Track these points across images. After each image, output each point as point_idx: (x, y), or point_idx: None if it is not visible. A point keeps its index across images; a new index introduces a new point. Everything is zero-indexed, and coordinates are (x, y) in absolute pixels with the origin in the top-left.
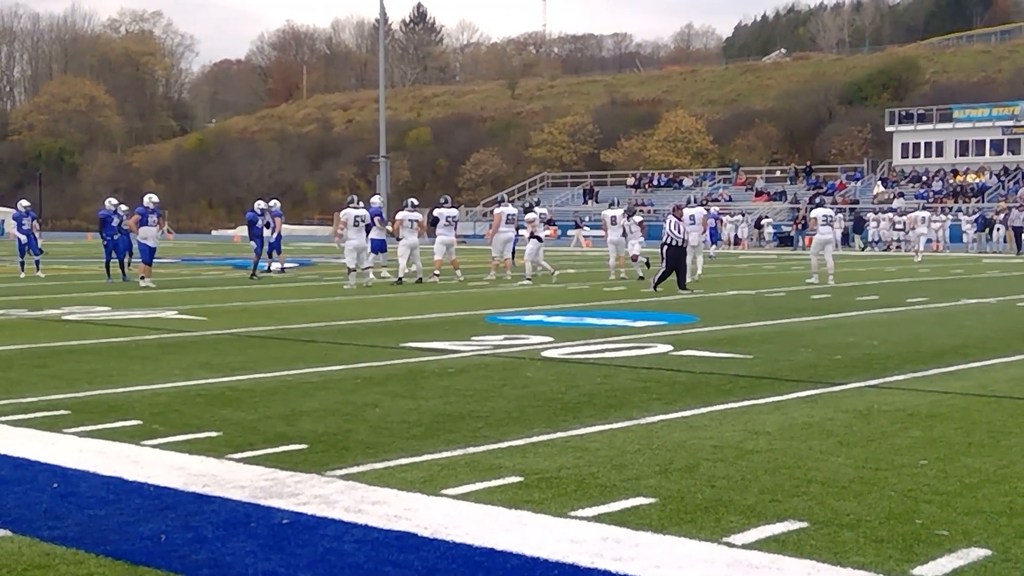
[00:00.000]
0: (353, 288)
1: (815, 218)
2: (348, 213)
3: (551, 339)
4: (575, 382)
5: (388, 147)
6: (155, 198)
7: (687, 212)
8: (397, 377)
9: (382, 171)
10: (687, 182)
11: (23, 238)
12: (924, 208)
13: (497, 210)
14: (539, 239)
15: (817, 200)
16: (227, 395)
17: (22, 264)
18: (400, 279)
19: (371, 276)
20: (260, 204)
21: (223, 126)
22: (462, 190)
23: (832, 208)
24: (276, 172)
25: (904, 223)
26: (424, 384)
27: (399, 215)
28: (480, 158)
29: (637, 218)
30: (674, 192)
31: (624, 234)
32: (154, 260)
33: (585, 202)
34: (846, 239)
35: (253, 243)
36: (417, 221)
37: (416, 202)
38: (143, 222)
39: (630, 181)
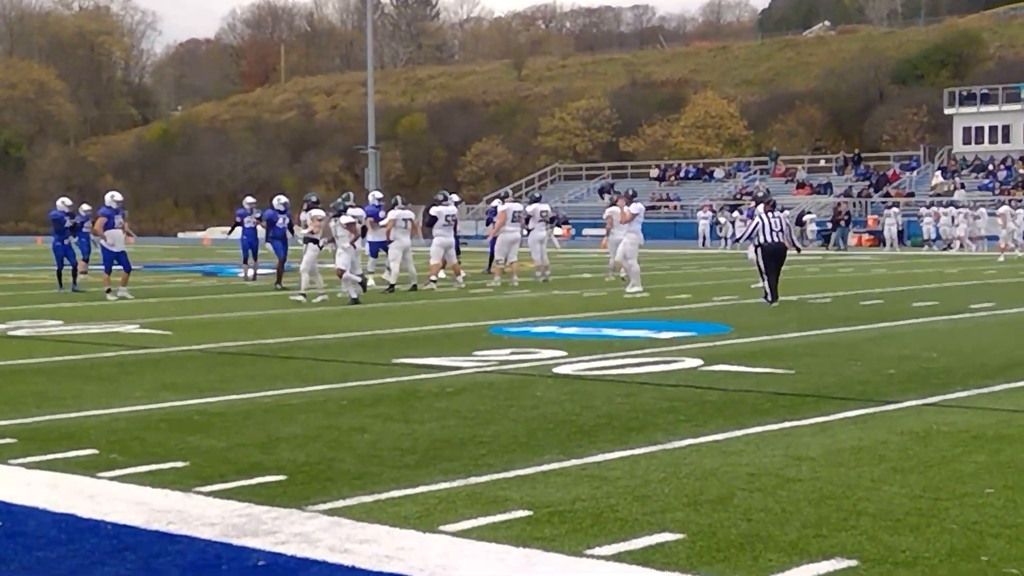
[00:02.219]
0: (351, 295)
1: (632, 213)
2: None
3: (564, 353)
4: (592, 402)
5: (378, 136)
6: (119, 196)
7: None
8: (388, 398)
9: (371, 164)
10: (718, 173)
11: None
12: (1009, 202)
13: (502, 207)
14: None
15: (760, 194)
16: (195, 420)
17: None
18: (392, 286)
19: (371, 281)
20: (282, 199)
21: (190, 114)
22: (462, 184)
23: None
24: (251, 166)
25: (954, 216)
26: (419, 406)
27: (390, 214)
28: (482, 148)
29: (637, 206)
30: (703, 185)
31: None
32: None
33: (601, 197)
34: (902, 237)
35: (269, 245)
36: (410, 220)
37: (397, 198)
38: (109, 224)
39: (653, 173)
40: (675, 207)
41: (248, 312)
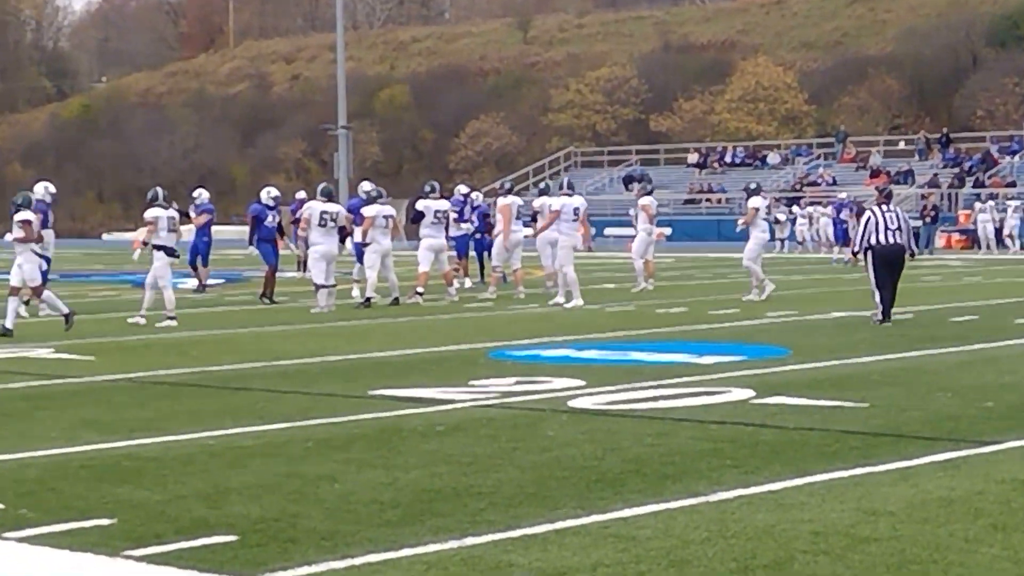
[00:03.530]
0: (325, 311)
1: (756, 208)
2: (313, 208)
3: (582, 382)
4: (616, 443)
5: (350, 114)
6: (52, 187)
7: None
8: (364, 438)
9: (341, 148)
10: (772, 158)
11: None
12: None
13: (503, 201)
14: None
15: (753, 187)
16: (124, 466)
17: None
18: (368, 300)
19: (355, 292)
20: (273, 191)
21: (117, 87)
22: (455, 172)
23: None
24: (192, 150)
25: None
26: (402, 448)
27: (367, 210)
28: (480, 128)
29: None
30: (754, 173)
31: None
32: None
33: (627, 187)
34: (999, 236)
35: (255, 249)
36: (391, 217)
37: (379, 191)
38: (45, 223)
39: (692, 158)
40: (719, 200)
41: (190, 333)
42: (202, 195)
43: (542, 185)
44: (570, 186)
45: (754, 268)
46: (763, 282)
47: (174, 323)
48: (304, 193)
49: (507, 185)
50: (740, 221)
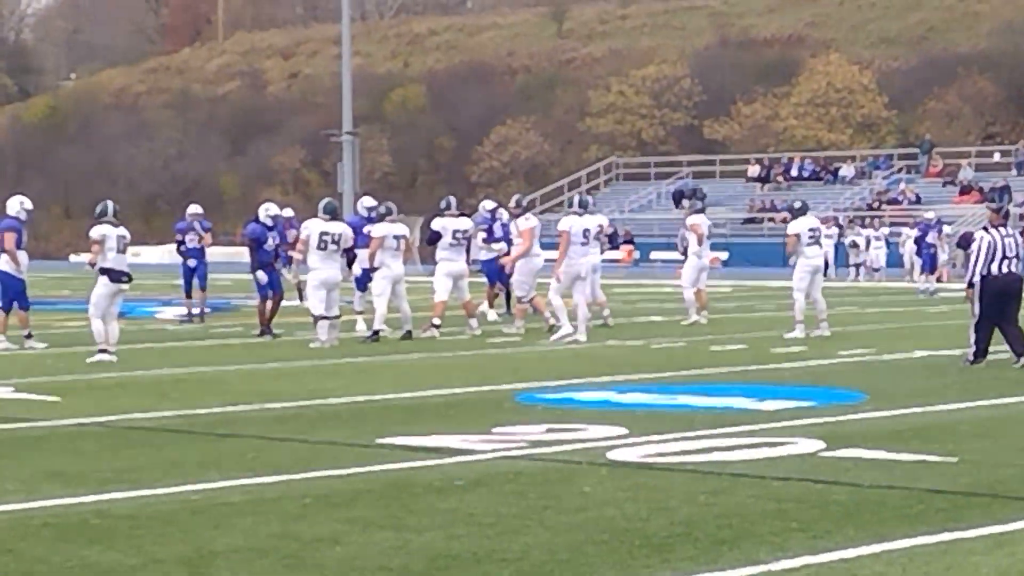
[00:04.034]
0: (326, 346)
1: (797, 234)
2: (312, 227)
3: (624, 431)
4: (664, 502)
5: (357, 118)
6: (28, 203)
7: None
8: (371, 495)
9: (346, 157)
10: (846, 171)
11: None
12: None
13: (526, 224)
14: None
15: (798, 206)
16: (93, 525)
17: None
18: (376, 333)
19: (360, 324)
20: (272, 208)
21: (88, 86)
22: (477, 186)
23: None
24: (174, 159)
25: None
26: (415, 506)
27: (375, 229)
28: (507, 134)
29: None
30: (825, 188)
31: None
32: None
33: (677, 204)
34: None
35: (265, 276)
36: (403, 238)
37: (388, 207)
38: (19, 243)
39: (753, 171)
40: (784, 220)
41: (171, 370)
42: (195, 213)
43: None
44: (582, 204)
45: (688, 295)
46: (700, 310)
47: (111, 359)
48: (291, 211)
49: (523, 203)
50: (788, 250)
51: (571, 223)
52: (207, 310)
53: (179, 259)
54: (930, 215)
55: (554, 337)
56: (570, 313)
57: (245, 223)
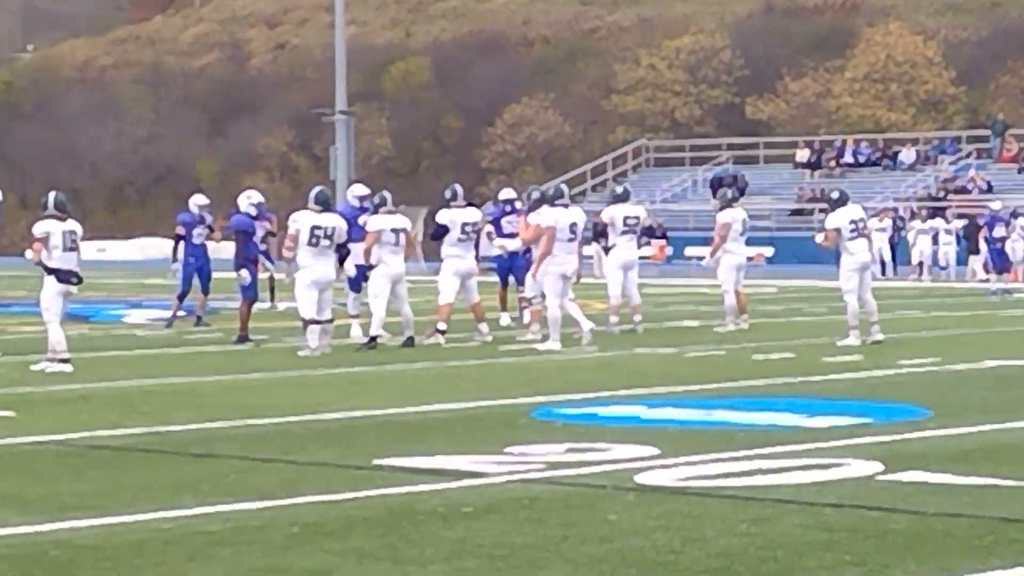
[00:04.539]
0: (316, 354)
1: (837, 228)
2: (301, 220)
3: (654, 451)
4: (699, 532)
5: (353, 95)
6: None
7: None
8: (367, 523)
9: (340, 139)
10: (907, 156)
11: None
12: None
13: (549, 219)
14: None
15: (835, 196)
16: (52, 556)
17: None
18: (373, 339)
19: (355, 329)
20: (254, 196)
21: (47, 58)
22: (488, 172)
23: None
24: (145, 141)
25: None
26: (417, 536)
27: (372, 222)
28: (522, 114)
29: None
30: (883, 175)
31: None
32: None
33: (715, 193)
34: None
35: (243, 274)
36: (403, 232)
37: (383, 196)
38: None
39: (802, 155)
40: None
41: (140, 381)
42: (202, 204)
43: (607, 190)
44: (622, 196)
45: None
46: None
47: (67, 368)
48: (260, 195)
49: (535, 194)
50: (818, 238)
51: (556, 217)
52: (183, 313)
53: (165, 254)
54: (996, 205)
55: (522, 338)
56: (544, 318)
57: (228, 214)
